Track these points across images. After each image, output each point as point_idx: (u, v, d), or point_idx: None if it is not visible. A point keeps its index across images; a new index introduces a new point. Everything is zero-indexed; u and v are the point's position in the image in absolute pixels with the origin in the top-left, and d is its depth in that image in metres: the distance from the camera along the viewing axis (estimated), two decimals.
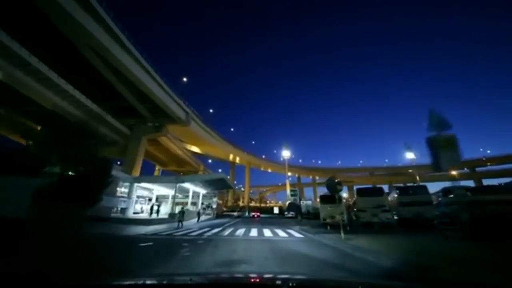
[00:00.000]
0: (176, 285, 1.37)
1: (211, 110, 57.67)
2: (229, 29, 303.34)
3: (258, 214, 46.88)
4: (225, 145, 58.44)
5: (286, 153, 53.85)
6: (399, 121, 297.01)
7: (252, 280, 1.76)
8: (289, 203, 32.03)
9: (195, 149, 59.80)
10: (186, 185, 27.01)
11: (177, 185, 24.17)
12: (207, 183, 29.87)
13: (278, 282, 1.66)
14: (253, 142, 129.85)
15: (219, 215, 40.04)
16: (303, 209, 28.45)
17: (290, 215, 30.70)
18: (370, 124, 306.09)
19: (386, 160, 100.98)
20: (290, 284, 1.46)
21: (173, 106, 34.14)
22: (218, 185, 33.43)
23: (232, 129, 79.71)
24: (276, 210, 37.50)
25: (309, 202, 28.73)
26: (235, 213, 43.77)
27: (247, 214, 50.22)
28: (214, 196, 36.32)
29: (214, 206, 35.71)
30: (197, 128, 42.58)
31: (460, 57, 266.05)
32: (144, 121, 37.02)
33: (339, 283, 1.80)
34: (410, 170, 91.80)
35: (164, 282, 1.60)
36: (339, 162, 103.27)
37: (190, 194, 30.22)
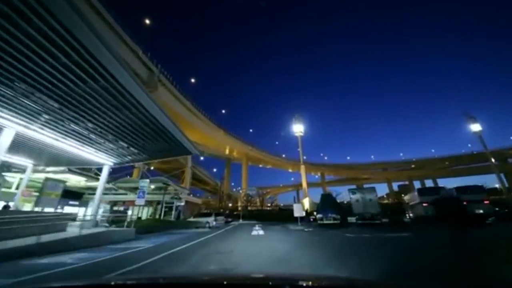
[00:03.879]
0: (176, 285, 1.34)
1: (193, 80, 44.54)
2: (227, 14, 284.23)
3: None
4: (215, 130, 45.89)
5: (298, 129, 41.49)
6: (409, 115, 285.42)
7: (253, 280, 1.65)
8: (323, 196, 18.90)
9: None
10: None
11: None
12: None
13: (279, 282, 1.50)
14: (250, 130, 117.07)
15: (157, 224, 16.67)
16: (356, 210, 15.84)
17: (329, 221, 16.20)
18: (380, 117, 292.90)
19: (401, 154, 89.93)
20: (291, 284, 1.30)
21: (122, 50, 21.92)
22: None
23: (223, 111, 62.90)
24: (298, 213, 20.39)
25: (372, 197, 15.96)
26: (211, 221, 20.37)
27: (241, 220, 33.24)
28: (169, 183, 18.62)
29: (141, 203, 13.94)
30: (169, 98, 30.14)
31: (464, 54, 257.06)
32: None
33: (340, 281, 1.65)
34: (413, 166, 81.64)
35: (164, 282, 1.48)
36: (348, 157, 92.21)
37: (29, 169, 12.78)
